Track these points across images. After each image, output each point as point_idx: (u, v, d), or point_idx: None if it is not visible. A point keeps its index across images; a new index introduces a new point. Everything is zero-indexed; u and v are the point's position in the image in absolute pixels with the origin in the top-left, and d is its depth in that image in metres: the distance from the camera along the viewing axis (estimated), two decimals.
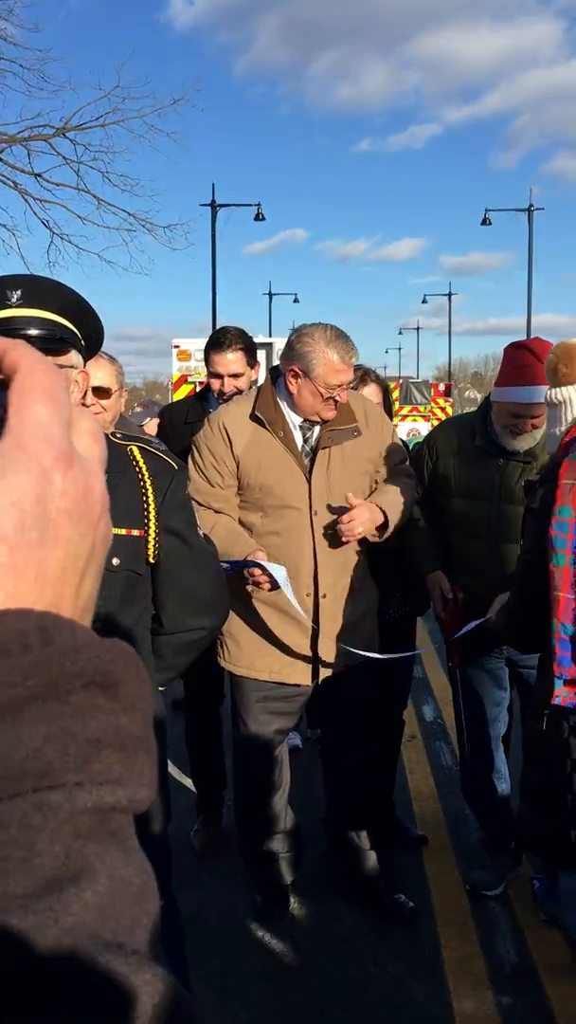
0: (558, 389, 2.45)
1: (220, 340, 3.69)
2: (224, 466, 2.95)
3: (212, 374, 3.70)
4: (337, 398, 2.88)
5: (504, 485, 3.15)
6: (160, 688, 2.17)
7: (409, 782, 4.36)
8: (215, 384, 3.69)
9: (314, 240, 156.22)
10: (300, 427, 2.97)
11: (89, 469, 0.41)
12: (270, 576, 2.80)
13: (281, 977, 2.90)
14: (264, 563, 2.81)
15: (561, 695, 2.22)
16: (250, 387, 3.66)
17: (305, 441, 2.98)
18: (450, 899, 3.33)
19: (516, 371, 3.07)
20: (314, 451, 2.95)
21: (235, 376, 3.66)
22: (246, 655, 3.03)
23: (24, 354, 0.41)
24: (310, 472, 2.94)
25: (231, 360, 3.65)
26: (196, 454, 3.01)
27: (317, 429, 2.97)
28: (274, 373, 3.04)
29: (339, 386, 2.86)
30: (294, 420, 2.96)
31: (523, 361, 3.05)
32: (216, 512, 2.97)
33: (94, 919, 0.34)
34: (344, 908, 3.26)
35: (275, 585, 2.81)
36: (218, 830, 3.77)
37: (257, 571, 2.83)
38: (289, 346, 2.91)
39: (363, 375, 3.57)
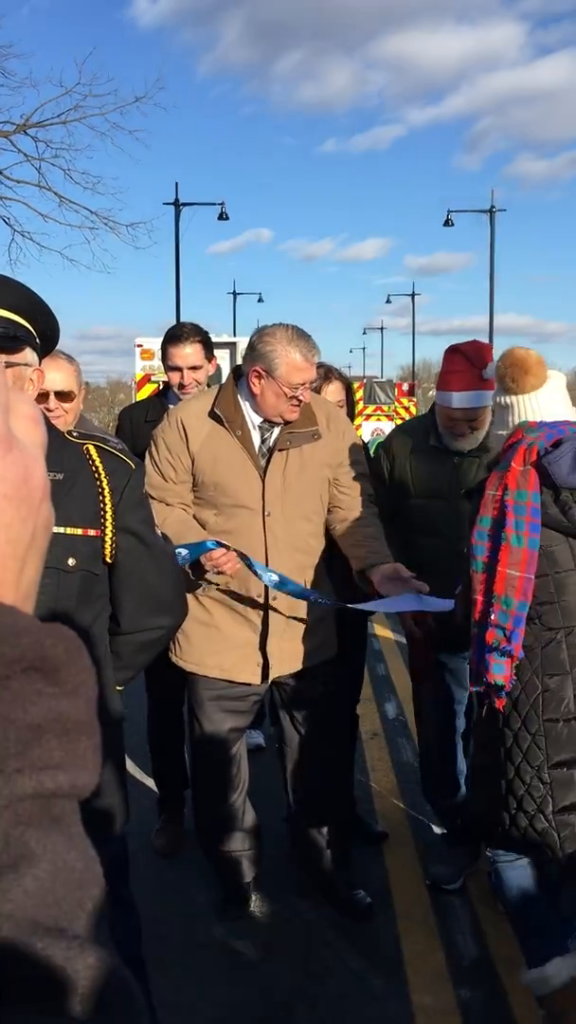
0: (504, 396, 2.53)
1: (177, 334, 3.70)
2: (179, 461, 2.96)
3: (171, 368, 3.69)
4: (300, 397, 2.89)
5: (460, 482, 3.19)
6: (118, 688, 2.17)
7: (371, 779, 4.39)
8: (174, 378, 3.69)
9: (279, 240, 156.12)
10: (260, 427, 2.97)
11: (29, 454, 0.41)
12: (235, 552, 2.81)
13: (242, 974, 2.91)
14: (222, 542, 2.82)
15: (476, 688, 2.37)
16: (209, 384, 3.66)
17: (263, 442, 2.98)
18: (410, 894, 3.36)
19: (449, 376, 3.13)
20: (271, 452, 2.96)
21: (194, 369, 3.67)
22: (196, 652, 3.02)
23: None
24: (264, 472, 2.94)
25: (189, 353, 3.65)
26: (153, 448, 3.02)
27: (277, 430, 2.98)
28: (236, 372, 3.04)
29: (302, 384, 2.87)
30: (254, 420, 2.97)
31: (457, 366, 3.11)
32: (168, 506, 2.97)
33: (34, 905, 0.34)
34: (305, 904, 3.27)
35: (242, 559, 2.82)
36: (180, 830, 3.76)
37: (216, 552, 2.82)
38: (251, 347, 2.92)
39: (326, 373, 3.59)
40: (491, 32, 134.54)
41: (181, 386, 3.67)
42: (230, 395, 2.98)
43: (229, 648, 3.00)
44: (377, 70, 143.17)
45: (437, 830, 3.77)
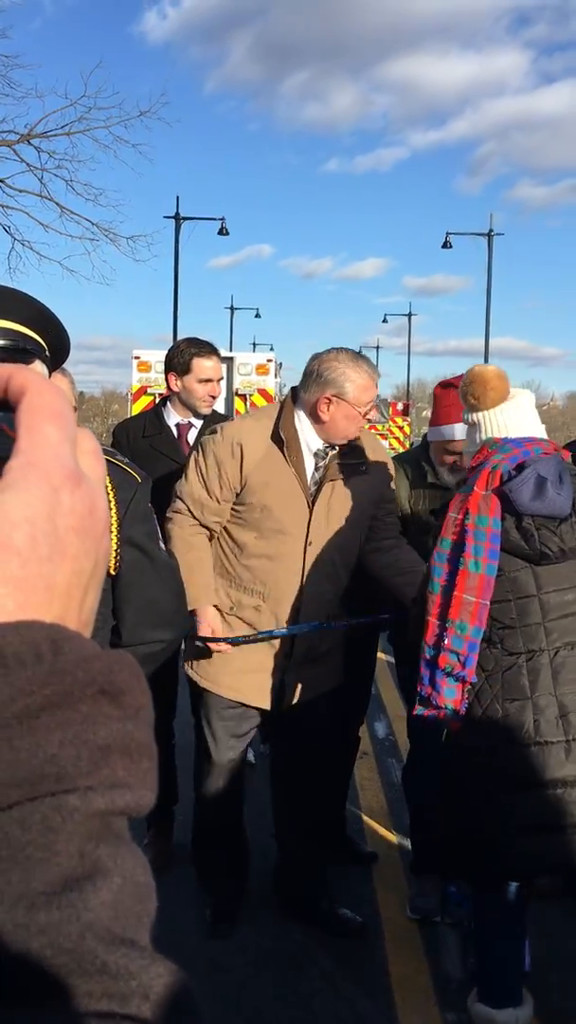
0: (470, 413, 2.57)
1: (206, 345, 3.71)
2: (227, 481, 2.92)
3: (202, 380, 3.67)
4: (369, 416, 2.95)
5: None
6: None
7: (360, 799, 4.38)
8: (206, 389, 3.67)
9: (280, 256, 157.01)
10: (316, 454, 2.97)
11: (94, 488, 0.42)
12: (228, 645, 2.98)
13: (229, 993, 2.89)
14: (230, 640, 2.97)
15: (420, 709, 2.36)
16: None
17: (316, 470, 2.97)
18: (398, 915, 3.35)
19: (448, 409, 3.19)
20: (321, 481, 2.96)
21: (219, 381, 3.70)
22: (213, 669, 3.04)
23: (31, 377, 0.43)
24: (314, 501, 2.94)
25: (217, 366, 3.69)
26: (201, 458, 2.95)
27: (328, 460, 2.98)
28: (293, 394, 3.03)
29: (369, 402, 2.94)
30: (311, 445, 2.96)
31: (450, 400, 3.15)
32: (193, 536, 2.97)
33: (109, 916, 0.36)
34: (293, 924, 3.26)
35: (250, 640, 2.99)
36: (169, 845, 3.75)
37: (213, 644, 2.98)
38: (316, 375, 2.91)
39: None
40: (496, 59, 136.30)
41: (212, 397, 3.69)
42: (291, 419, 2.96)
43: (247, 671, 3.02)
44: (382, 92, 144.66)
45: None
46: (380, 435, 24.21)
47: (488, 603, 2.27)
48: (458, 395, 3.13)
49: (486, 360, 30.47)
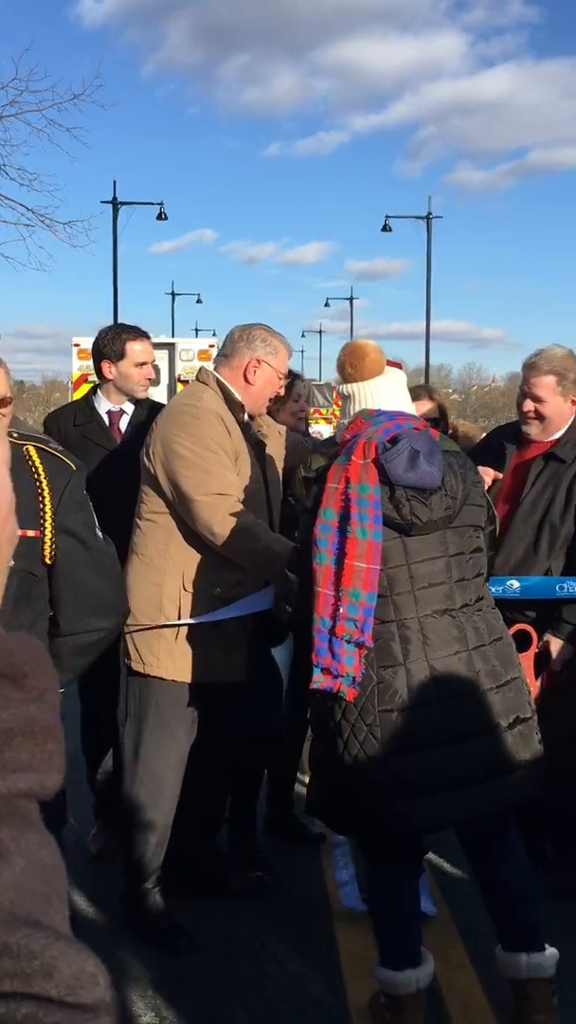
0: (344, 385, 2.65)
1: (135, 329, 3.71)
2: (230, 455, 2.99)
3: (138, 363, 3.64)
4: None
5: None
6: (59, 690, 2.15)
7: (308, 780, 4.40)
8: (142, 372, 3.63)
9: (222, 241, 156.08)
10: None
11: None
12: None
13: (178, 978, 2.89)
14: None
15: (318, 681, 2.37)
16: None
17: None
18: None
19: None
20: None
21: (153, 363, 3.69)
22: (180, 658, 2.99)
23: None
24: (264, 466, 3.14)
25: (151, 348, 3.69)
26: (201, 450, 2.91)
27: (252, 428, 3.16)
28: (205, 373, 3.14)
29: (286, 373, 3.16)
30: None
31: None
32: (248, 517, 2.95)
33: (11, 899, 0.35)
34: (244, 908, 3.27)
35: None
36: (116, 834, 3.73)
37: None
38: (246, 339, 3.06)
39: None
40: (434, 43, 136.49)
41: (148, 380, 3.68)
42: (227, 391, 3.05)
43: (220, 646, 3.02)
44: (322, 77, 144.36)
45: None
46: (324, 419, 24.28)
47: (379, 568, 2.32)
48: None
49: (427, 343, 30.71)
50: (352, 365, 2.58)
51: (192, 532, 2.94)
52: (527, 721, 2.49)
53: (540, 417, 3.32)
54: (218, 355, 3.20)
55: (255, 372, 3.03)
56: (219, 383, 3.05)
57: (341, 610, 2.31)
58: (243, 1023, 2.69)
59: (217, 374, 3.08)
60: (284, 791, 3.89)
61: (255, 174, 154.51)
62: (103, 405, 3.69)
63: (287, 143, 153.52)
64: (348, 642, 2.32)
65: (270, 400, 3.18)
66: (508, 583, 3.22)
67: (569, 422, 3.35)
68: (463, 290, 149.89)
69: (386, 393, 2.61)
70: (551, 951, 2.56)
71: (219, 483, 2.88)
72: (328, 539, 2.36)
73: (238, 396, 3.04)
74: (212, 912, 3.23)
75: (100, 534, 2.22)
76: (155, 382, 4.09)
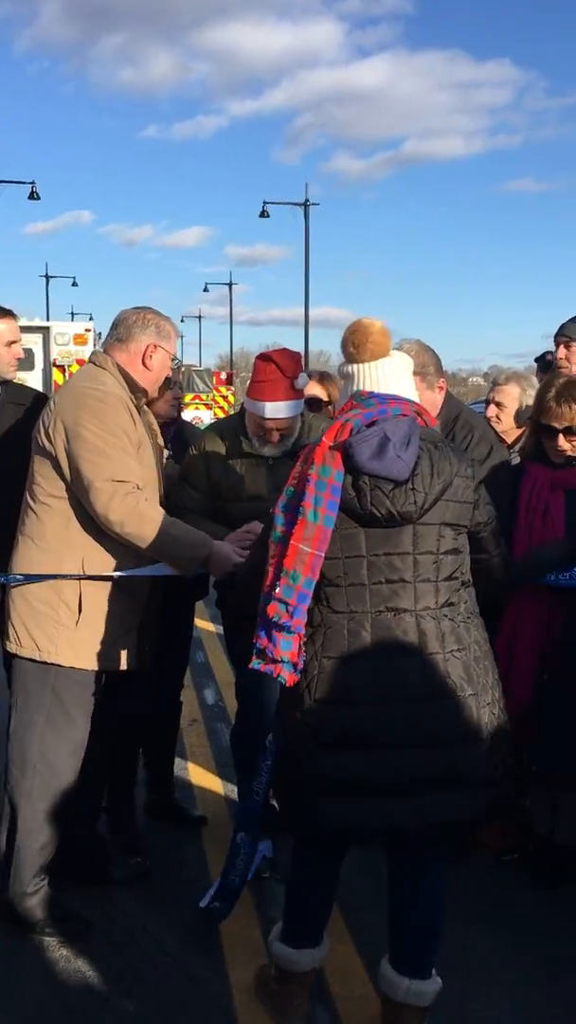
0: (346, 365, 2.52)
1: (4, 308, 3.56)
2: (134, 445, 2.99)
3: (7, 343, 3.50)
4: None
5: (278, 483, 3.19)
6: None
7: (190, 764, 4.42)
8: (11, 352, 3.48)
9: (100, 223, 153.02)
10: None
11: None
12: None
13: (58, 969, 2.87)
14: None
15: (256, 663, 2.33)
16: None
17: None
18: None
19: (262, 385, 3.17)
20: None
21: (19, 343, 3.55)
22: (79, 646, 2.93)
23: None
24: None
25: (17, 327, 3.54)
26: (113, 436, 2.89)
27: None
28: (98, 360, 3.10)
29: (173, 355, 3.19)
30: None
31: (269, 375, 3.16)
32: (151, 509, 2.93)
33: None
34: (125, 893, 3.26)
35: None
36: None
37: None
38: (140, 323, 3.06)
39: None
40: (311, 30, 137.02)
41: (17, 360, 3.53)
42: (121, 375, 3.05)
43: (124, 633, 2.99)
44: (199, 60, 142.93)
45: None
46: (204, 405, 24.16)
47: (323, 555, 2.25)
48: (275, 370, 3.16)
49: (306, 329, 30.83)
50: (355, 344, 2.43)
51: (90, 515, 2.90)
52: (476, 743, 2.32)
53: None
54: (110, 339, 3.11)
55: (152, 356, 3.04)
56: (120, 369, 3.02)
57: (276, 591, 2.24)
58: (125, 1008, 2.69)
59: (113, 358, 3.04)
60: (163, 775, 3.90)
61: (133, 155, 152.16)
62: None
63: (165, 125, 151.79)
64: (276, 624, 2.25)
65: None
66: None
67: (439, 406, 3.44)
68: (342, 277, 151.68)
69: (387, 377, 2.44)
70: (435, 981, 2.52)
71: (120, 470, 2.85)
72: (283, 517, 2.30)
73: (140, 382, 3.03)
74: (93, 899, 3.20)
75: None
76: (28, 365, 3.98)
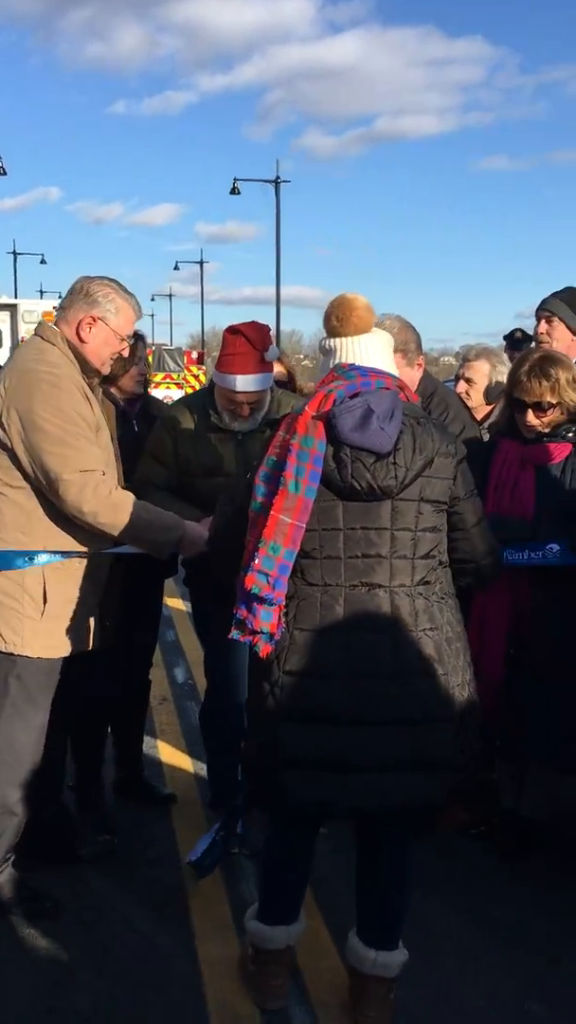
0: (327, 339, 2.49)
1: None
2: (92, 429, 2.89)
3: None
4: (123, 352, 3.00)
5: (247, 459, 3.16)
6: None
7: (159, 743, 4.42)
8: None
9: (68, 200, 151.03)
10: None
11: None
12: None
13: (26, 947, 2.86)
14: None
15: (235, 633, 2.32)
16: None
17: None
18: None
19: (231, 358, 3.13)
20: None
21: None
22: (45, 636, 2.87)
23: None
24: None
25: None
26: (72, 423, 2.80)
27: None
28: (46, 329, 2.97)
29: (130, 334, 2.99)
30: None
31: (238, 348, 3.12)
32: (119, 495, 2.86)
33: None
34: (94, 872, 3.26)
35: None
36: None
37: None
38: (84, 293, 2.89)
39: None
40: (282, 5, 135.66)
41: None
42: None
43: (86, 618, 2.96)
44: (168, 34, 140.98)
45: None
46: (175, 384, 24.03)
47: (304, 526, 2.22)
48: (244, 343, 3.12)
49: (278, 308, 30.72)
50: (339, 318, 2.40)
51: (53, 504, 2.82)
52: (443, 724, 2.31)
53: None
54: (59, 308, 3.02)
55: (89, 330, 2.87)
56: (69, 343, 2.89)
57: (256, 562, 2.21)
58: (96, 986, 2.69)
59: (61, 331, 2.91)
60: (133, 753, 3.89)
61: (102, 132, 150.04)
62: None
63: (135, 100, 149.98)
64: (256, 596, 2.22)
65: (113, 362, 3.03)
66: (548, 547, 3.02)
67: (417, 383, 3.44)
68: (314, 256, 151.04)
69: (369, 351, 2.41)
70: (401, 952, 2.54)
71: (85, 459, 2.76)
72: (264, 487, 2.27)
73: (93, 362, 2.90)
74: (62, 878, 3.20)
75: None
76: None
